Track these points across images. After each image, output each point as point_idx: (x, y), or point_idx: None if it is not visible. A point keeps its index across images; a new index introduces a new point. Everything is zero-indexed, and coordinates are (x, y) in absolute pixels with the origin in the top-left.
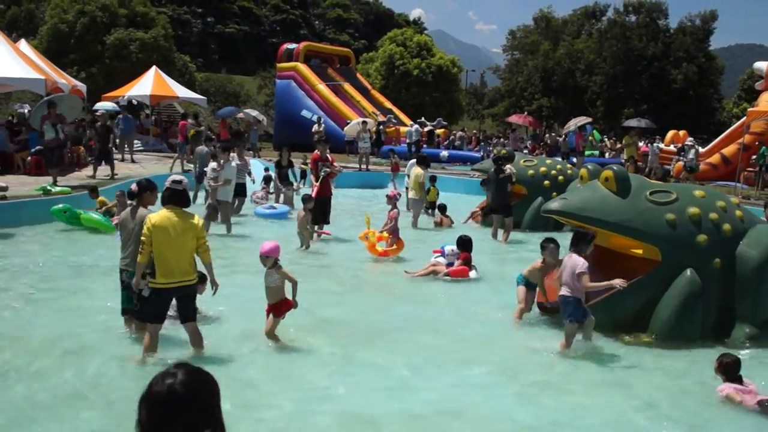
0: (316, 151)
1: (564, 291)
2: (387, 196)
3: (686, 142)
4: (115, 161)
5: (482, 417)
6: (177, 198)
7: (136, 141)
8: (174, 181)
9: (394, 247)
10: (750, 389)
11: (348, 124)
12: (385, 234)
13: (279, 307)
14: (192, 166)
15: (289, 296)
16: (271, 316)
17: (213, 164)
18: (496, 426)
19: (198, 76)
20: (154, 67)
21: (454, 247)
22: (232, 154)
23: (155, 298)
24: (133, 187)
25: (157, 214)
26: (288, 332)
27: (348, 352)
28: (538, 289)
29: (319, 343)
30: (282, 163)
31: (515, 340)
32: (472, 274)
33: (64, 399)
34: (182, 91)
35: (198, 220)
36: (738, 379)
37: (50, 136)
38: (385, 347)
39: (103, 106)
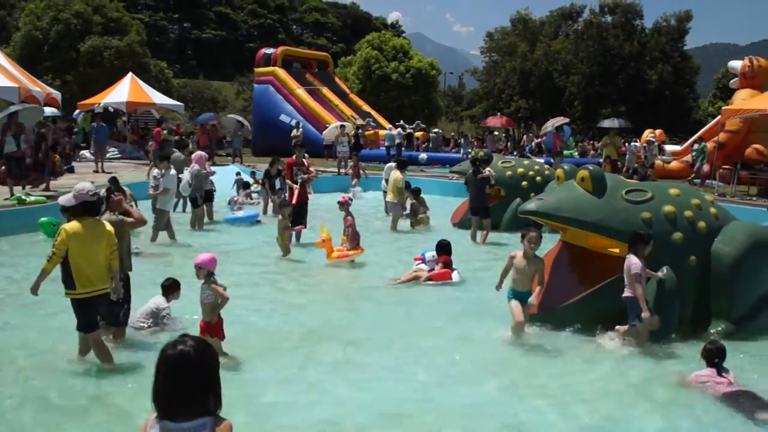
0: (293, 156)
1: (627, 293)
2: (338, 202)
3: (648, 138)
4: (87, 170)
5: (463, 415)
6: (89, 208)
7: (112, 148)
8: (85, 193)
9: (352, 252)
10: (723, 380)
11: (327, 128)
12: (344, 246)
13: (215, 327)
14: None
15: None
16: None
17: (155, 172)
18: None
19: (175, 82)
20: (130, 73)
21: (434, 253)
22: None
23: (79, 310)
24: (103, 192)
25: (71, 224)
26: (271, 340)
27: (337, 359)
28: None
29: (299, 350)
30: (272, 172)
31: (497, 341)
32: (455, 276)
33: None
34: (159, 98)
35: (110, 227)
36: (716, 366)
37: (10, 149)
38: (370, 352)
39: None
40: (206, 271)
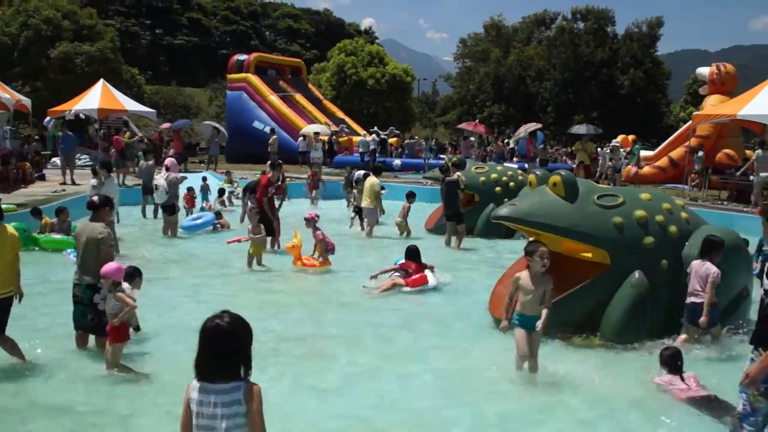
0: (266, 172)
1: (696, 299)
2: (305, 219)
3: (613, 143)
4: (59, 178)
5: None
6: None
7: (84, 156)
8: None
9: (319, 263)
10: (684, 387)
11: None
12: (316, 257)
13: (119, 331)
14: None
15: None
16: (107, 345)
17: (93, 181)
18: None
19: (147, 88)
20: (101, 80)
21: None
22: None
23: None
24: (94, 199)
25: None
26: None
27: (300, 367)
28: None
29: (276, 358)
30: (254, 188)
31: (474, 347)
32: (431, 280)
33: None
34: (131, 104)
35: (14, 231)
36: (677, 370)
37: None
38: (334, 359)
39: None
40: (111, 281)
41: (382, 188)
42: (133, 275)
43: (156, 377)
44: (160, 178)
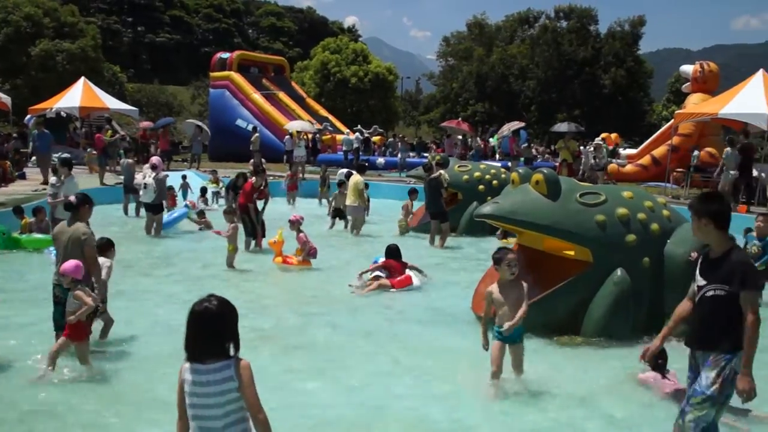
0: (252, 180)
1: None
2: (289, 221)
3: (596, 141)
4: (36, 180)
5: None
6: None
7: (66, 154)
8: None
9: (299, 262)
10: (668, 382)
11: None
12: (297, 259)
13: (77, 328)
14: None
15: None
16: (68, 342)
17: (52, 179)
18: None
19: (129, 86)
20: (82, 78)
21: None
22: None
23: None
24: (72, 199)
25: None
26: None
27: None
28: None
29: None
30: (237, 184)
31: (455, 346)
32: (416, 281)
33: None
34: (113, 103)
35: None
36: (660, 367)
37: None
38: (311, 357)
39: None
40: (70, 278)
41: (366, 186)
42: (106, 247)
43: (136, 376)
44: (148, 177)
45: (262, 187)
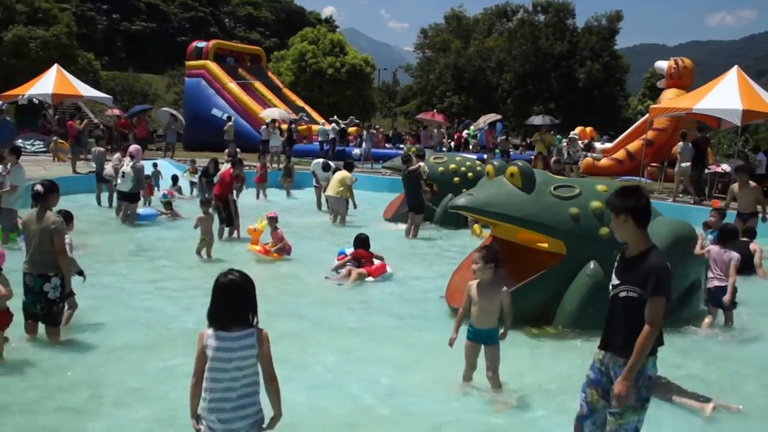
0: (230, 170)
1: (719, 282)
2: (268, 217)
3: (571, 135)
4: None
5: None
6: None
7: (38, 141)
8: None
9: (272, 253)
10: None
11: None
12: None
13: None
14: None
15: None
16: None
17: None
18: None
19: (103, 74)
20: (56, 65)
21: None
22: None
23: None
24: (38, 188)
25: None
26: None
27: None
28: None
29: None
30: (209, 171)
31: (429, 337)
32: (389, 269)
33: None
34: (86, 90)
35: None
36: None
37: None
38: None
39: None
40: None
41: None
42: (67, 219)
43: (102, 362)
44: (126, 165)
45: (240, 176)
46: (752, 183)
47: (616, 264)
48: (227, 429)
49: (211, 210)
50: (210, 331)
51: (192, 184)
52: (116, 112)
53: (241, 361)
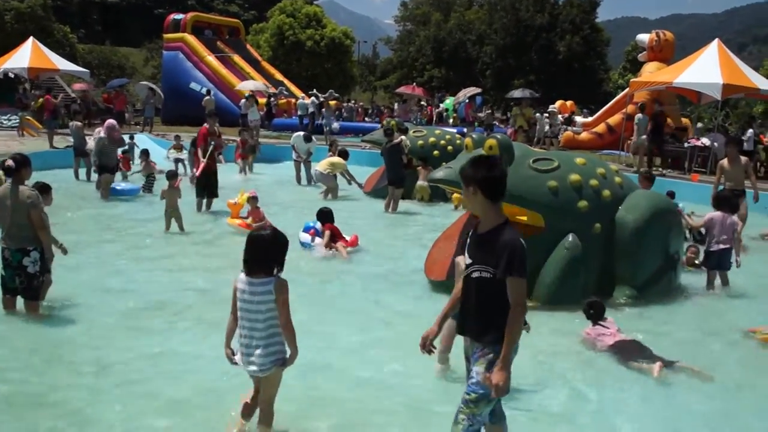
0: (205, 125)
1: (723, 245)
2: (250, 197)
3: (551, 108)
4: None
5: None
6: None
7: (14, 116)
8: None
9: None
10: (606, 331)
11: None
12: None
13: None
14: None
15: None
16: None
17: None
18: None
19: (80, 47)
20: (31, 38)
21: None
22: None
23: None
24: (9, 163)
25: None
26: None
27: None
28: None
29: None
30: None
31: (409, 311)
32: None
33: None
34: (63, 64)
35: None
36: (594, 318)
37: None
38: None
39: None
40: None
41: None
42: (43, 190)
43: (74, 335)
44: (91, 140)
45: (216, 131)
46: (743, 158)
47: (468, 241)
48: (253, 362)
49: (185, 185)
50: (242, 276)
51: (177, 161)
52: (83, 86)
53: (261, 304)
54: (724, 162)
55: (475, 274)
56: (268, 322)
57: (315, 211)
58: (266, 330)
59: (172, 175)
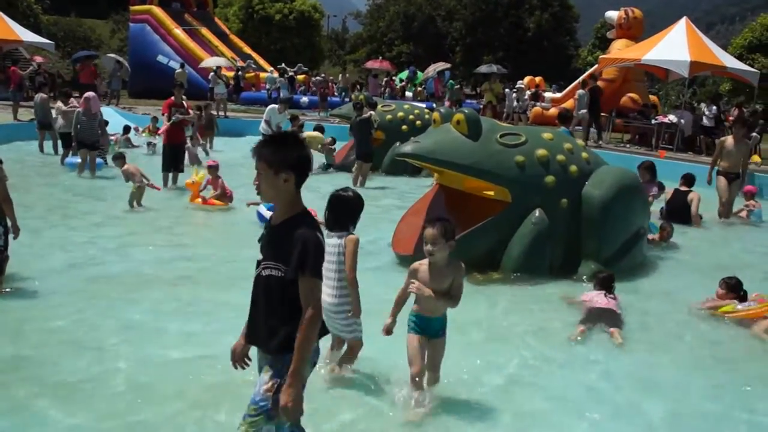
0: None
1: None
2: (208, 166)
3: (518, 84)
4: None
5: None
6: None
7: None
8: None
9: (216, 202)
10: (600, 301)
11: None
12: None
13: None
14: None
15: None
16: None
17: None
18: None
19: (44, 18)
20: None
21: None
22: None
23: None
24: None
25: None
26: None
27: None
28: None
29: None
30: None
31: (374, 285)
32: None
33: None
34: (27, 35)
35: None
36: (606, 287)
37: None
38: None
39: None
40: None
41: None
42: None
43: (31, 311)
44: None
45: (183, 104)
46: (746, 139)
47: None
48: (329, 315)
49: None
50: (326, 231)
51: (149, 144)
52: (39, 59)
53: (333, 256)
54: (728, 141)
55: (265, 272)
56: (340, 274)
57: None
58: (340, 282)
59: (118, 156)
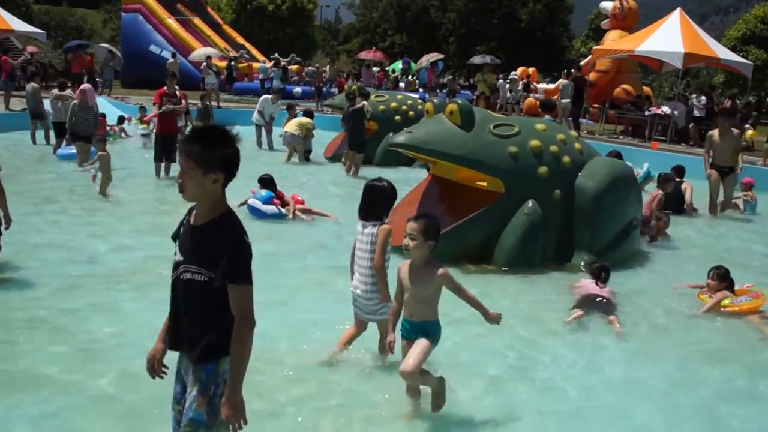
0: (163, 88)
1: None
2: None
3: (512, 75)
4: None
5: None
6: None
7: None
8: None
9: None
10: (592, 288)
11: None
12: None
13: None
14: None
15: None
16: None
17: None
18: None
19: (36, 8)
20: None
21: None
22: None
23: None
24: None
25: None
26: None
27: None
28: None
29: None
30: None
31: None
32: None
33: None
34: (18, 24)
35: None
36: (599, 277)
37: None
38: None
39: None
40: None
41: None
42: None
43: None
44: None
45: (176, 94)
46: (734, 130)
47: (180, 233)
48: (359, 301)
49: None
50: (358, 220)
51: (143, 135)
52: (30, 49)
53: (366, 245)
54: (714, 134)
55: (186, 276)
56: (372, 263)
57: (280, 176)
58: (370, 269)
59: (100, 140)
